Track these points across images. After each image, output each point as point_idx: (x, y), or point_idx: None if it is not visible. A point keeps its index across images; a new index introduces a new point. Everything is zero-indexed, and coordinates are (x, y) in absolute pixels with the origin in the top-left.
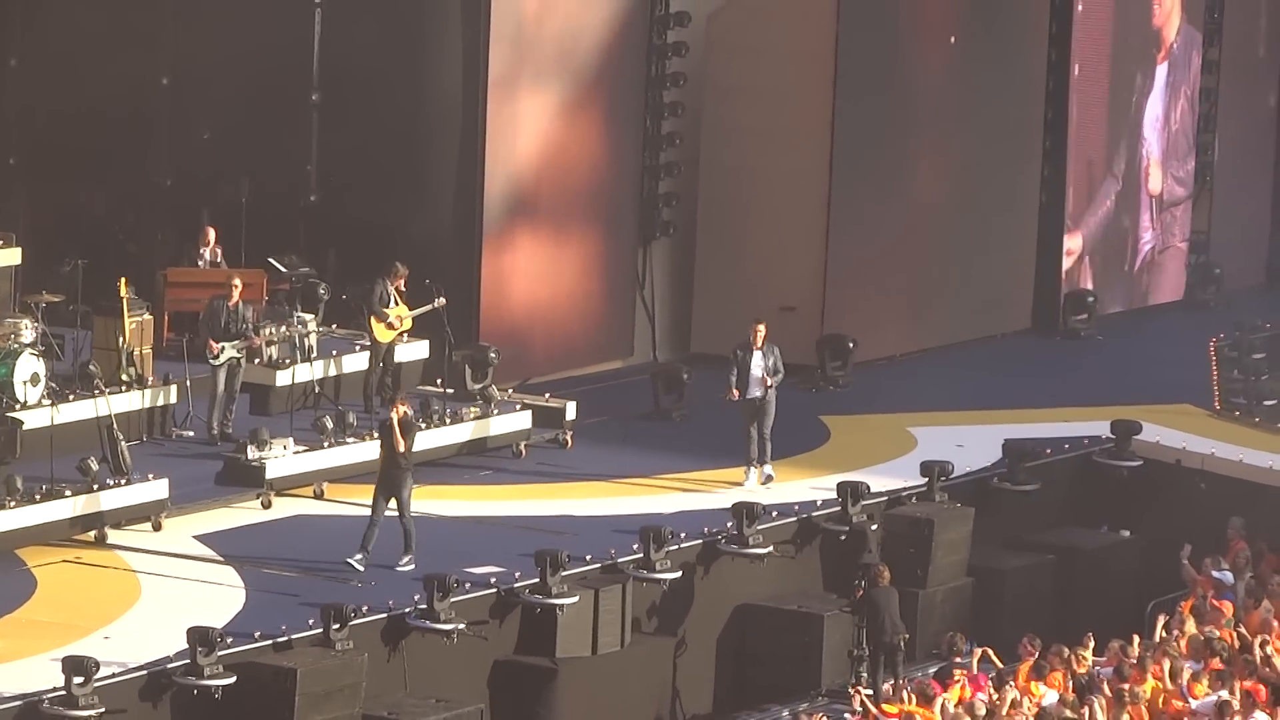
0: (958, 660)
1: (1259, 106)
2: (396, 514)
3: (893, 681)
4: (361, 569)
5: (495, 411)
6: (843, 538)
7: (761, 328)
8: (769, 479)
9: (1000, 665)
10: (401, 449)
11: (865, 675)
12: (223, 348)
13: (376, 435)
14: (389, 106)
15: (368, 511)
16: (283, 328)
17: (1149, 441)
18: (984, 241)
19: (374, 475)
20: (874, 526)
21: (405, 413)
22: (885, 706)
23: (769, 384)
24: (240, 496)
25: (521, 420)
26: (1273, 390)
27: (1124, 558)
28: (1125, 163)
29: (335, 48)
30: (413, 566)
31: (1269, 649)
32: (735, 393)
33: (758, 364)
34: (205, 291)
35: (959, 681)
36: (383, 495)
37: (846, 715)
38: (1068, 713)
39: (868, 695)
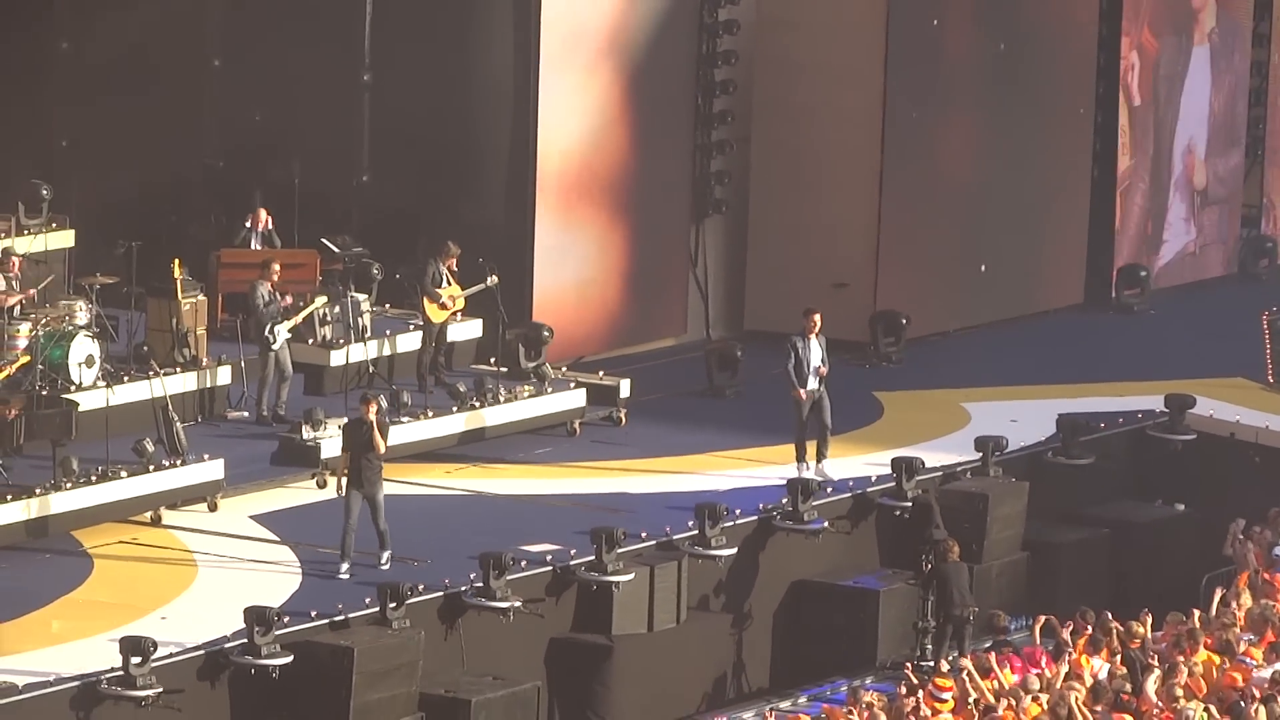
0: (1003, 637)
1: None
2: (371, 517)
3: (954, 655)
4: (348, 576)
5: (549, 390)
6: (898, 513)
7: (817, 316)
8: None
9: (1064, 636)
10: (382, 450)
11: (930, 648)
12: (277, 332)
13: (340, 433)
14: (441, 86)
15: (427, 490)
16: (334, 304)
17: (1203, 415)
18: (1036, 216)
19: (426, 454)
20: (924, 501)
21: (379, 411)
22: (939, 681)
23: (824, 373)
24: (295, 476)
25: (576, 398)
26: None
27: (1178, 531)
28: (1173, 144)
29: (386, 28)
30: (390, 566)
31: None
32: (802, 392)
33: (815, 354)
34: (257, 273)
35: (1009, 657)
36: (356, 497)
37: (899, 688)
38: (1126, 686)
39: (930, 667)
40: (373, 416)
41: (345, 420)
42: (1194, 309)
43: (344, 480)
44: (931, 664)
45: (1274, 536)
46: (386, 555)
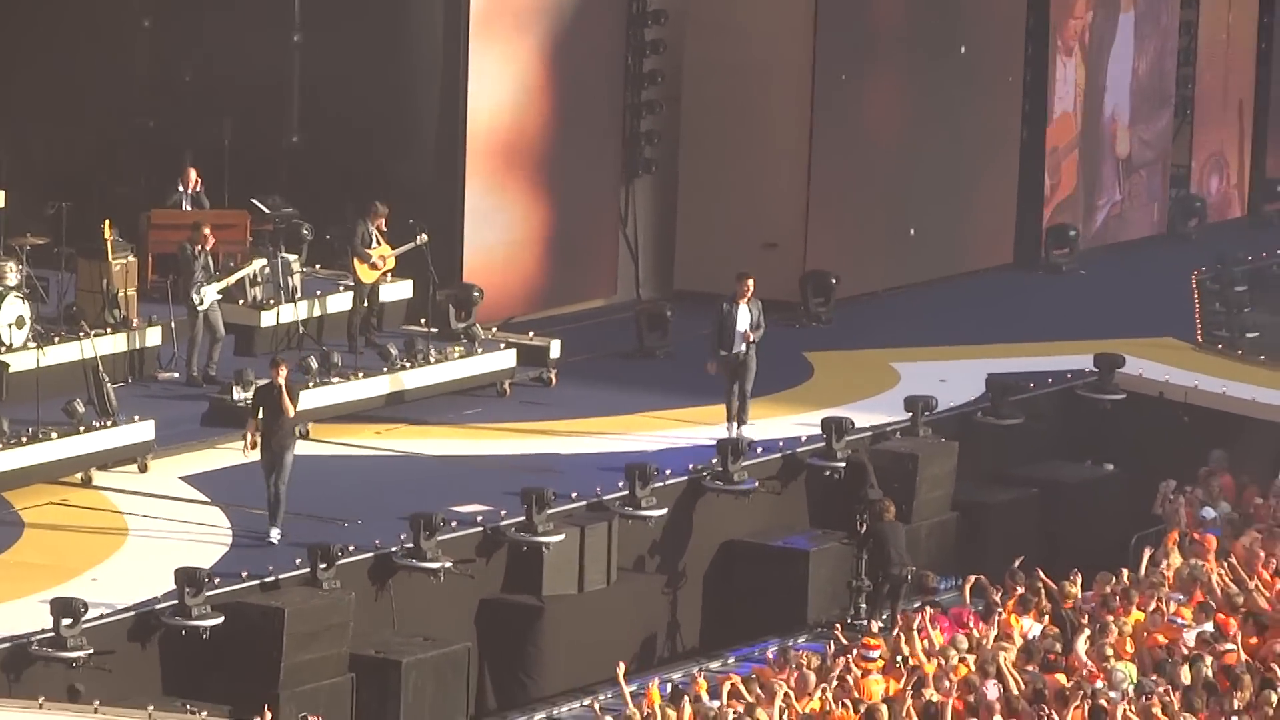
0: (931, 598)
1: (1241, 38)
2: (274, 479)
3: (886, 615)
4: (276, 539)
5: (479, 350)
6: (828, 473)
7: (750, 281)
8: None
9: (994, 596)
10: (291, 414)
11: (864, 607)
12: (204, 293)
13: (248, 400)
14: (371, 47)
15: (357, 451)
16: (261, 267)
17: (1132, 375)
18: (965, 177)
19: (357, 415)
20: (857, 461)
21: (287, 375)
22: (869, 640)
23: (751, 339)
24: (226, 437)
25: (506, 359)
26: (1255, 323)
27: (1108, 491)
28: (1102, 105)
29: None
30: (279, 543)
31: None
32: (711, 367)
33: (743, 319)
34: (188, 234)
35: (940, 615)
36: (269, 462)
37: (829, 648)
38: (1056, 646)
39: (863, 627)
40: (282, 380)
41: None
42: (1123, 269)
43: (255, 444)
44: (865, 623)
45: (1205, 496)
46: (276, 533)
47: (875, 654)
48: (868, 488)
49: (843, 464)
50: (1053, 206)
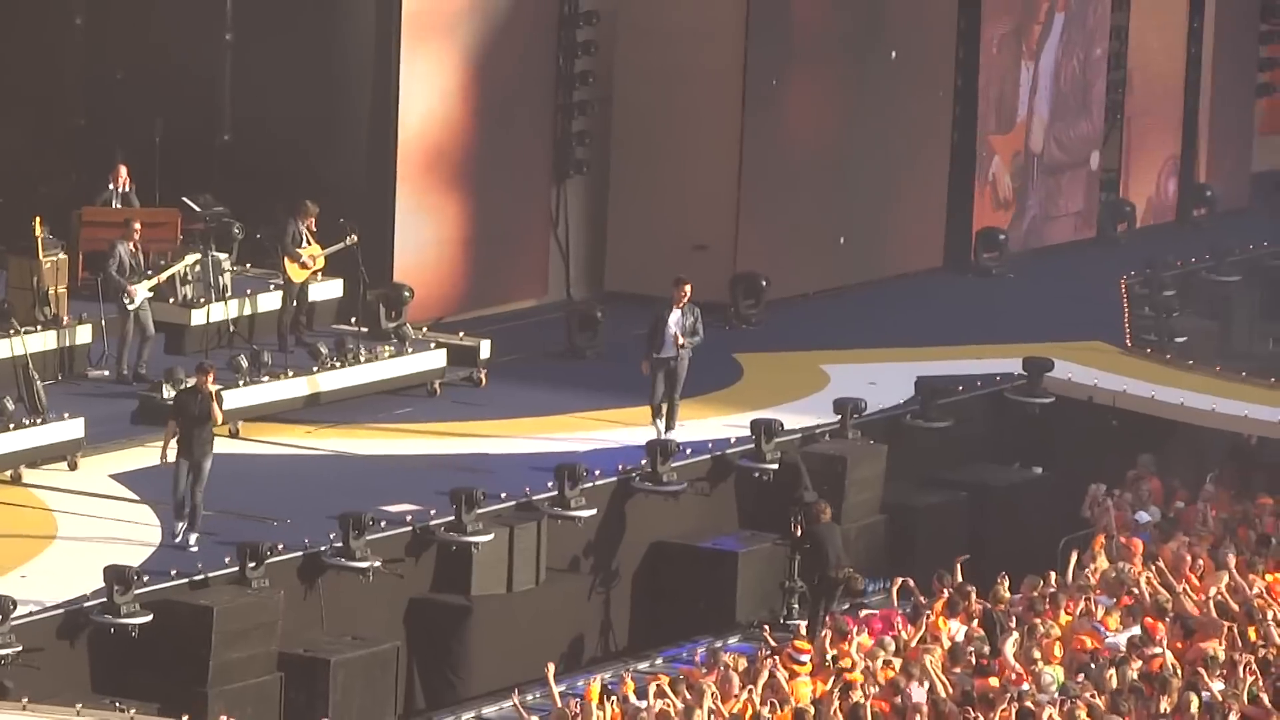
0: (859, 599)
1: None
2: (191, 486)
3: (819, 615)
4: (192, 544)
5: (409, 350)
6: (757, 475)
7: (687, 288)
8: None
9: (921, 598)
10: (219, 421)
11: (797, 608)
12: (135, 291)
13: (170, 402)
14: (303, 46)
15: (286, 450)
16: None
17: (1060, 379)
18: (895, 180)
19: (288, 414)
20: (791, 462)
21: (214, 381)
22: (798, 644)
23: (681, 344)
24: (156, 436)
25: (436, 359)
26: (1183, 327)
27: (1036, 495)
28: (1030, 109)
29: None
30: (198, 548)
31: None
32: (645, 367)
33: (674, 322)
34: (119, 231)
35: (868, 617)
36: (184, 466)
37: (760, 649)
38: (985, 648)
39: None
40: (211, 387)
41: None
42: (1052, 272)
43: (171, 449)
44: (798, 624)
45: (1133, 500)
46: (195, 538)
47: (805, 657)
48: (802, 490)
49: (773, 466)
50: (982, 209)
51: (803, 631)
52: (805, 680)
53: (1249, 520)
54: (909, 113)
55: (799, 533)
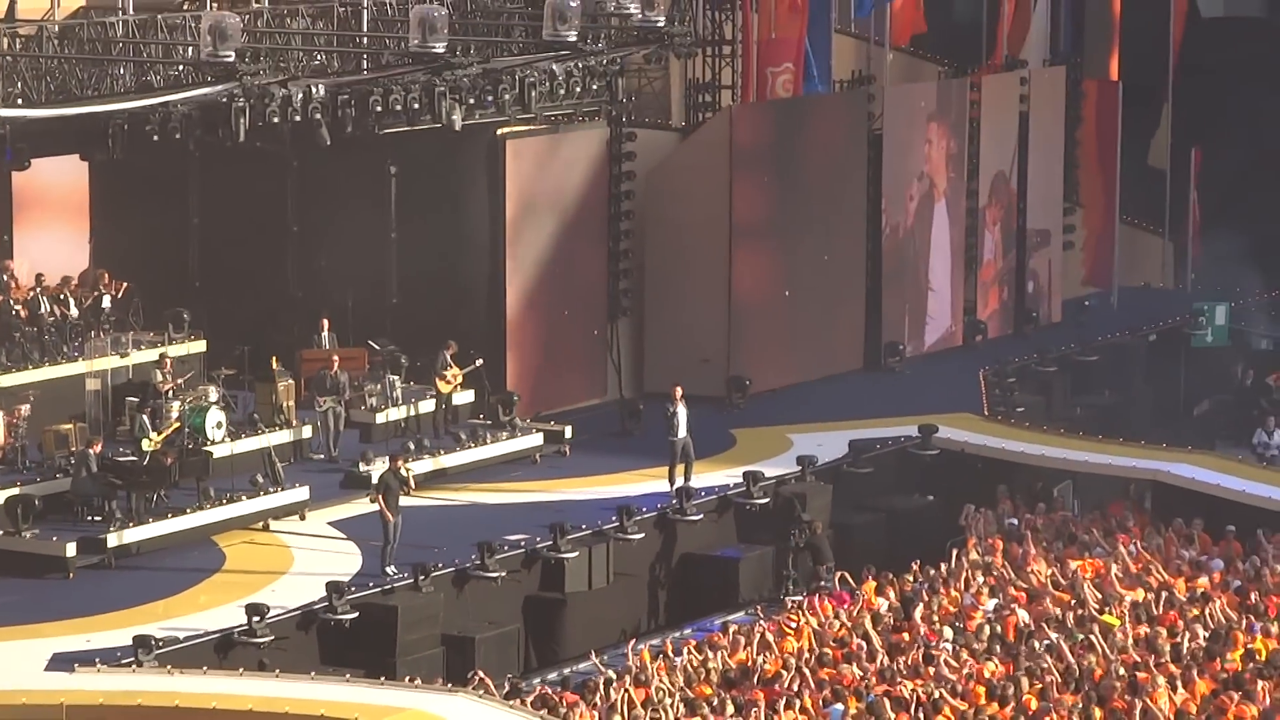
0: (822, 585)
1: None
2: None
3: (813, 586)
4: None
5: (519, 434)
6: (749, 507)
7: (678, 390)
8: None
9: (854, 585)
10: (414, 488)
11: (792, 588)
12: (325, 401)
13: (376, 488)
14: (441, 233)
15: (442, 502)
16: (377, 385)
17: (944, 438)
18: (832, 308)
19: (439, 482)
20: (765, 500)
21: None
22: (790, 615)
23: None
24: (356, 496)
25: (536, 439)
26: (1021, 401)
27: (930, 514)
28: (928, 260)
29: (409, 199)
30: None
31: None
32: (673, 440)
33: (682, 414)
34: (325, 363)
35: (825, 596)
36: (389, 519)
37: (755, 621)
38: (902, 615)
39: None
40: (405, 472)
41: (384, 467)
42: (935, 370)
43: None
44: (795, 600)
45: (995, 515)
46: (393, 568)
47: (794, 625)
48: (800, 514)
49: (761, 501)
50: (886, 325)
51: (788, 605)
52: (791, 640)
53: (1067, 528)
54: (840, 259)
55: (801, 542)
